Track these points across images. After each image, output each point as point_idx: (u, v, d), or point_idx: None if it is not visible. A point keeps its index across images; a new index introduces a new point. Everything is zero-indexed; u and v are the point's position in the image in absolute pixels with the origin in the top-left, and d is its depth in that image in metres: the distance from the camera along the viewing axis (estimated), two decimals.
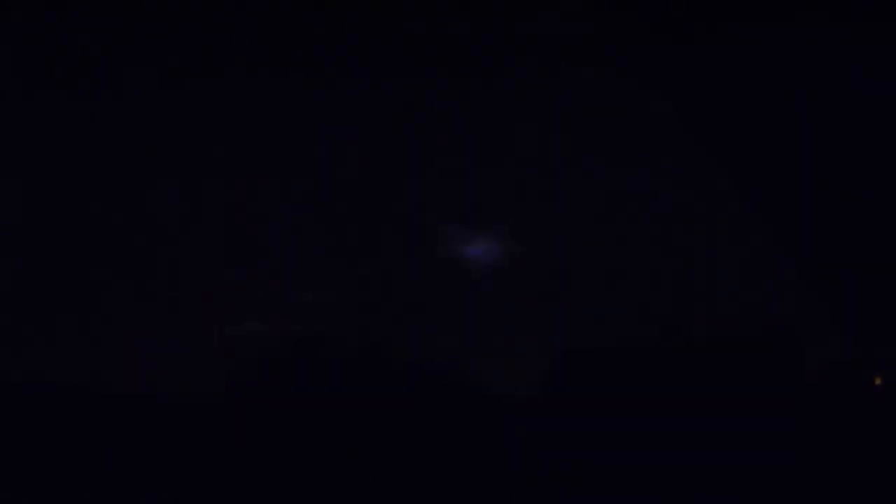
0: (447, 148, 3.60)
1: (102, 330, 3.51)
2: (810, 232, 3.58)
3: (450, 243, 3.56)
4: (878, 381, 3.39)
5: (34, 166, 3.57)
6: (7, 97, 3.56)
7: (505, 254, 3.55)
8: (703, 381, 3.51)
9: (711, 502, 3.47)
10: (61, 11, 3.56)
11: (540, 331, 3.52)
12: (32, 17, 3.56)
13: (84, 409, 3.49)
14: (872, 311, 3.52)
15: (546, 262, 3.56)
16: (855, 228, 3.58)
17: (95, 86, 3.58)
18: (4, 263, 3.53)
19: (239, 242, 3.55)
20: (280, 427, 3.51)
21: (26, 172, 3.57)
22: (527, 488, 3.50)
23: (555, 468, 3.51)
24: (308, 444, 3.51)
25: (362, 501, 3.49)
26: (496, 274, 3.55)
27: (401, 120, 3.60)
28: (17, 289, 3.52)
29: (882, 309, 3.52)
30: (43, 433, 3.48)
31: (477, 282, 3.55)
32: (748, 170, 3.60)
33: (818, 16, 3.60)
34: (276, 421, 3.51)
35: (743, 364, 3.51)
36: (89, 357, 3.50)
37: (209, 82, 3.60)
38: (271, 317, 3.52)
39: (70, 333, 3.51)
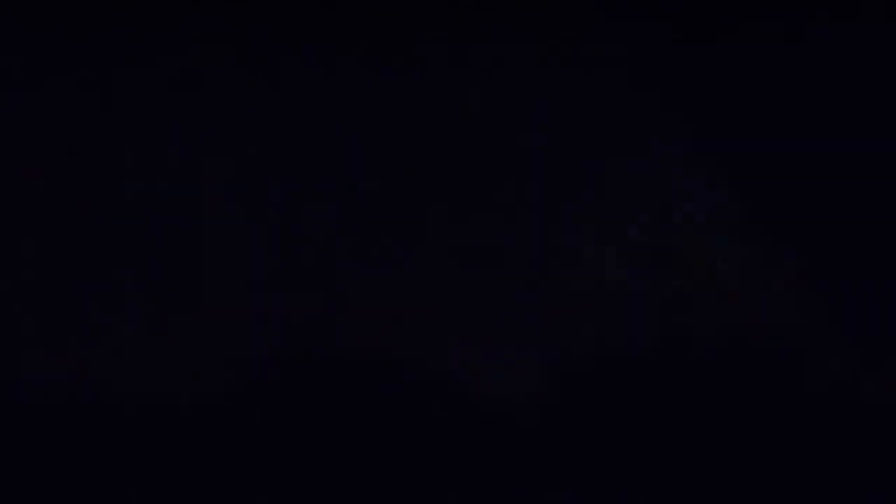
0: (446, 150, 3.58)
1: (101, 331, 3.52)
2: (811, 236, 3.56)
3: (449, 248, 3.55)
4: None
5: (35, 165, 3.56)
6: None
7: (503, 257, 3.54)
8: (704, 390, 3.50)
9: None
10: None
11: (539, 337, 3.52)
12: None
13: (82, 410, 3.50)
14: (875, 319, 3.51)
15: (543, 266, 3.55)
16: (857, 233, 3.56)
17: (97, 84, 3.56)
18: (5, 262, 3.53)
19: (237, 246, 3.55)
20: (279, 430, 3.52)
21: (26, 173, 3.56)
22: (526, 493, 3.51)
23: (554, 473, 3.51)
24: (306, 449, 3.52)
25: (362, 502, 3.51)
26: (496, 275, 3.54)
27: (397, 122, 3.58)
28: (16, 288, 3.52)
29: (885, 317, 3.51)
30: (40, 436, 3.49)
31: (477, 283, 3.54)
32: (749, 174, 3.58)
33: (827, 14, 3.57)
34: (275, 424, 3.52)
35: (744, 373, 3.50)
36: (87, 358, 3.50)
37: (209, 85, 3.58)
38: (270, 322, 3.52)
39: (67, 335, 3.51)
